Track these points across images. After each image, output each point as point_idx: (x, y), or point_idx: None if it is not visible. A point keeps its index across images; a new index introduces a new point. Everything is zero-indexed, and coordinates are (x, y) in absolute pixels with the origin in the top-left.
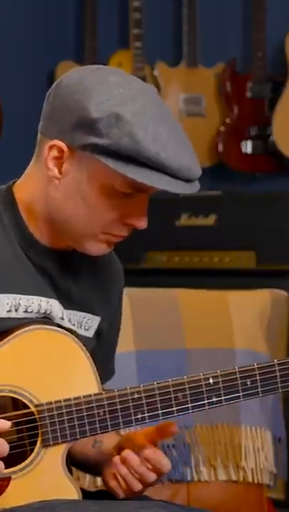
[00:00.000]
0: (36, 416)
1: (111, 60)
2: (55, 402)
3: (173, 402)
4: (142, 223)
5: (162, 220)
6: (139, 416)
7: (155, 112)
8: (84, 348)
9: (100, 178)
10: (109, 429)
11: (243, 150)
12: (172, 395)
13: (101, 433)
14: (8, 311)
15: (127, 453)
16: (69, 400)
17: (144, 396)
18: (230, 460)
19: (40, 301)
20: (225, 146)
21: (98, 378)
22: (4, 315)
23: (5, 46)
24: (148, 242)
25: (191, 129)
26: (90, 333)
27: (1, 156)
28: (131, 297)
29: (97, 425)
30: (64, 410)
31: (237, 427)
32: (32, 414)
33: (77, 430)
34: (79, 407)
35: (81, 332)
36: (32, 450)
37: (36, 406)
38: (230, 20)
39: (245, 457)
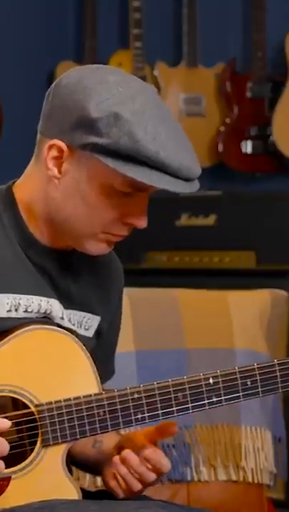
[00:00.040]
0: (36, 416)
1: (111, 60)
2: (55, 402)
3: (173, 402)
4: (142, 222)
5: (162, 220)
6: (139, 416)
7: (155, 112)
8: (84, 348)
9: (100, 177)
10: (109, 429)
11: (243, 150)
12: (172, 395)
13: (101, 433)
14: (8, 311)
15: (127, 453)
16: (69, 399)
17: (144, 396)
18: (230, 460)
19: (40, 300)
20: (225, 146)
21: (98, 378)
22: (4, 315)
23: (5, 46)
24: (148, 242)
25: (191, 129)
26: (90, 333)
27: (1, 156)
28: (131, 297)
29: (97, 425)
30: (64, 410)
31: (237, 427)
32: (32, 414)
33: (77, 430)
34: (79, 407)
35: (81, 332)
36: (32, 450)
37: (36, 406)
38: (230, 20)
39: (245, 457)
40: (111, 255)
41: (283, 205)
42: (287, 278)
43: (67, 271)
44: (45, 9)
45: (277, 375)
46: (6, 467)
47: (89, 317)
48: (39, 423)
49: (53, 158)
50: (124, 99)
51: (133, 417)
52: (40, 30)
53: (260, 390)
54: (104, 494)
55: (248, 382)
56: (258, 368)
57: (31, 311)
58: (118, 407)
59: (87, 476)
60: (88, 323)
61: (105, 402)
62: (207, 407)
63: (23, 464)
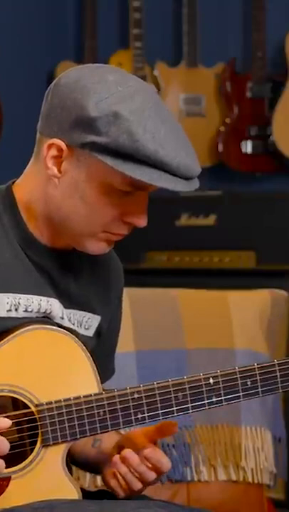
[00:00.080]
0: (36, 416)
1: (111, 60)
2: (55, 401)
3: (173, 402)
4: (142, 221)
5: (162, 220)
6: (139, 416)
7: (154, 110)
8: (84, 347)
9: (99, 176)
10: (110, 429)
11: (243, 150)
12: (172, 395)
13: (101, 433)
14: (8, 311)
15: (127, 452)
16: (69, 399)
17: (144, 396)
18: (230, 460)
19: (40, 300)
20: (225, 146)
21: (98, 378)
22: (4, 314)
23: (5, 46)
24: (148, 242)
25: (191, 129)
26: (90, 333)
27: (1, 156)
28: (131, 297)
29: (97, 425)
30: (64, 410)
31: (237, 427)
32: (32, 414)
33: (77, 430)
34: (79, 407)
35: (81, 331)
36: (32, 450)
37: (36, 406)
38: (230, 20)
39: (245, 457)
40: (111, 254)
41: (283, 205)
42: (287, 278)
43: (67, 270)
44: (45, 9)
45: (277, 375)
46: (6, 467)
47: (89, 316)
48: (39, 423)
49: (52, 157)
50: (124, 98)
51: (133, 417)
52: (40, 30)
53: (260, 390)
54: (105, 494)
55: (248, 382)
56: (258, 367)
57: (31, 311)
58: (118, 406)
59: (87, 476)
60: (88, 322)
61: (105, 402)
62: (207, 407)
63: (23, 464)
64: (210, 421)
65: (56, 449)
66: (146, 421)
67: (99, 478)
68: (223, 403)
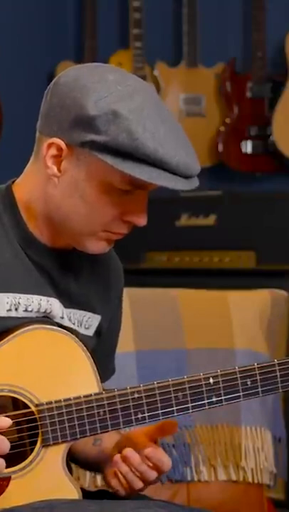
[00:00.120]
0: (36, 416)
1: (111, 60)
2: (55, 401)
3: (173, 401)
4: (142, 220)
5: (162, 220)
6: (140, 416)
7: (153, 109)
8: (84, 347)
9: (99, 175)
10: (110, 429)
11: (243, 150)
12: (172, 395)
13: (101, 433)
14: (8, 310)
15: (128, 451)
16: (69, 399)
17: (144, 396)
18: (230, 460)
19: (40, 300)
20: (225, 146)
21: (98, 378)
22: (4, 314)
23: (5, 46)
24: (148, 242)
25: (191, 129)
26: (91, 332)
27: (1, 156)
28: (131, 297)
29: (98, 425)
30: (64, 410)
31: (237, 427)
32: (32, 413)
33: (77, 430)
34: (79, 407)
35: (81, 331)
36: (32, 450)
37: (36, 406)
38: (230, 20)
39: (245, 457)
40: (111, 254)
41: (283, 205)
42: (287, 278)
43: (67, 270)
44: (45, 9)
45: (277, 375)
46: (6, 467)
47: (89, 316)
48: (39, 423)
49: (52, 156)
50: (123, 97)
51: (133, 417)
52: (40, 30)
53: (260, 389)
54: (105, 494)
55: (248, 382)
56: (258, 367)
57: (31, 311)
58: (118, 406)
59: (87, 476)
60: (88, 322)
61: (105, 402)
62: (207, 407)
63: (23, 464)
64: (210, 421)
65: (56, 448)
66: (147, 421)
67: (99, 478)
68: (223, 403)
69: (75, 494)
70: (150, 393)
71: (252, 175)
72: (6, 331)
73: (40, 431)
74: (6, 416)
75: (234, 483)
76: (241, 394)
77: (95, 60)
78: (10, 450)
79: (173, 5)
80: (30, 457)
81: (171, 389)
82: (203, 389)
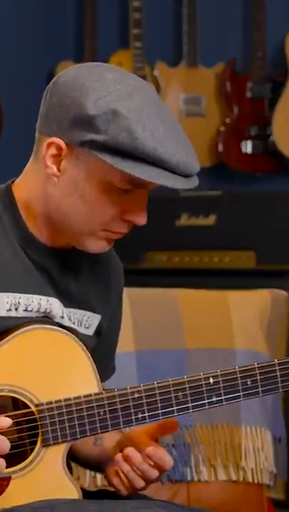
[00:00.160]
0: (36, 415)
1: (111, 60)
2: (56, 401)
3: (173, 401)
4: (142, 219)
5: (162, 220)
6: (140, 415)
7: (153, 108)
8: (84, 347)
9: (99, 174)
10: (110, 429)
11: (243, 150)
12: (172, 395)
13: (101, 432)
14: (8, 310)
15: (130, 450)
16: (69, 399)
17: (145, 395)
18: (230, 460)
19: (40, 299)
20: (225, 146)
21: (98, 378)
22: (4, 314)
23: (5, 46)
24: (148, 242)
25: (191, 129)
26: (91, 331)
27: (1, 156)
28: (131, 297)
29: (98, 425)
30: (64, 410)
31: (237, 427)
32: (32, 413)
33: (77, 430)
34: (79, 407)
35: (81, 330)
36: (32, 450)
37: (36, 406)
38: (230, 20)
39: (245, 457)
40: (111, 254)
41: (283, 205)
42: (287, 278)
43: (67, 269)
44: (45, 9)
45: (277, 375)
46: (7, 467)
47: (89, 315)
48: (39, 423)
49: (51, 156)
50: (122, 96)
51: (133, 417)
52: (40, 30)
53: (260, 389)
54: (105, 494)
55: (248, 382)
56: (258, 367)
57: (31, 310)
58: (118, 406)
59: (87, 475)
60: (88, 321)
61: (105, 402)
62: (207, 407)
63: (23, 464)
64: (210, 421)
65: (56, 448)
66: (147, 420)
67: (99, 478)
68: (224, 403)
69: (75, 494)
70: (150, 393)
71: (252, 175)
72: (6, 331)
73: (40, 431)
74: (6, 416)
75: (234, 483)
76: (241, 394)
77: (95, 60)
78: (10, 450)
79: (173, 5)
80: (31, 457)
81: (171, 389)
82: (204, 389)
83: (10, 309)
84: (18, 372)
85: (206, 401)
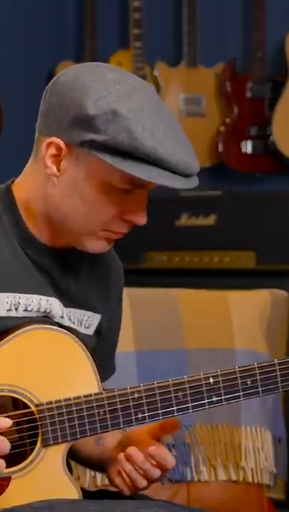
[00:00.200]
0: (36, 415)
1: (111, 60)
2: (56, 401)
3: (173, 401)
4: (141, 219)
5: (162, 220)
6: (140, 415)
7: (152, 108)
8: (84, 347)
9: (98, 174)
10: (110, 429)
11: (243, 150)
12: (172, 395)
13: (101, 432)
14: (8, 310)
15: (132, 450)
16: (69, 399)
17: (145, 395)
18: (230, 460)
19: (40, 299)
20: (225, 146)
21: (98, 378)
22: (4, 314)
23: (5, 46)
24: (148, 242)
25: (191, 129)
26: (91, 331)
27: (1, 156)
28: (131, 297)
29: (98, 425)
30: (64, 410)
31: (237, 427)
32: (32, 413)
33: (77, 430)
34: (79, 407)
35: (81, 330)
36: (32, 450)
37: (36, 406)
38: (230, 20)
39: (245, 457)
40: (111, 254)
41: (283, 205)
42: (287, 278)
43: (67, 269)
44: (45, 9)
45: (277, 375)
46: (7, 467)
47: (89, 315)
48: (39, 423)
49: (51, 156)
50: (122, 96)
51: (133, 417)
52: (40, 30)
53: (260, 389)
54: (105, 494)
55: (248, 382)
56: (258, 367)
57: (31, 310)
58: (118, 406)
59: (87, 475)
60: (88, 321)
61: (105, 402)
62: (207, 407)
63: (23, 464)
64: (210, 421)
65: (56, 448)
66: (147, 420)
67: (99, 477)
68: (224, 403)
69: (75, 494)
70: (150, 393)
71: (252, 175)
72: (6, 331)
73: (40, 431)
74: (6, 416)
75: (234, 483)
76: (241, 394)
77: (95, 60)
78: (10, 450)
79: (173, 5)
80: (31, 457)
81: (171, 389)
82: (204, 389)
83: (10, 309)
84: (18, 372)
85: (206, 401)
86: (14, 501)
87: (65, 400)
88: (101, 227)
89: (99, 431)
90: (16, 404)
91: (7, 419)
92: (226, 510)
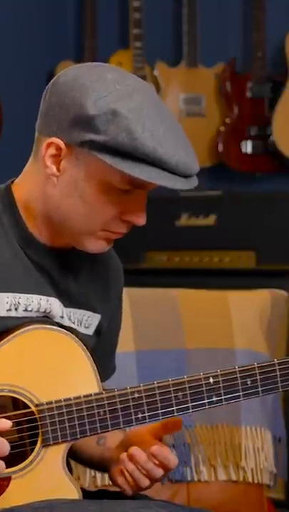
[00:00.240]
0: (36, 416)
1: (111, 60)
2: (56, 401)
3: (173, 401)
4: (141, 220)
5: (162, 220)
6: (140, 415)
7: (152, 108)
8: (84, 347)
9: (98, 175)
10: (110, 429)
11: (243, 150)
12: (172, 395)
13: (101, 432)
14: (8, 310)
15: (134, 449)
16: (69, 399)
17: (145, 395)
18: (230, 460)
19: (40, 299)
20: (225, 146)
21: (98, 378)
22: (4, 314)
23: (5, 46)
24: (148, 242)
25: (191, 129)
26: (90, 331)
27: (1, 156)
28: (131, 297)
29: (98, 425)
30: (64, 410)
31: (237, 427)
32: (32, 413)
33: (77, 430)
34: (79, 407)
35: (81, 330)
36: (32, 450)
37: (36, 406)
38: (230, 20)
39: (245, 457)
40: (110, 254)
41: (283, 205)
42: (287, 278)
43: (67, 269)
44: (45, 9)
45: (277, 375)
46: (6, 467)
47: (89, 315)
48: (39, 423)
49: (51, 156)
50: (122, 97)
51: (133, 417)
52: (40, 30)
53: (260, 389)
54: (105, 494)
55: (248, 382)
56: (258, 367)
57: (31, 310)
58: (118, 406)
59: (87, 475)
60: (88, 321)
61: (105, 402)
62: (207, 407)
63: (23, 464)
64: (210, 421)
65: (56, 448)
66: (147, 420)
67: (99, 477)
68: (223, 402)
69: (75, 494)
70: (150, 393)
71: (252, 175)
72: (6, 331)
73: (40, 431)
74: (6, 416)
75: (234, 483)
76: (241, 394)
77: (95, 60)
78: (10, 450)
79: (173, 5)
80: (31, 457)
81: (171, 389)
82: (203, 389)
83: (10, 309)
84: (18, 372)
85: (206, 401)
86: (14, 501)
87: (65, 400)
88: (100, 227)
89: (99, 431)
90: (16, 404)
91: (6, 420)
92: (226, 510)
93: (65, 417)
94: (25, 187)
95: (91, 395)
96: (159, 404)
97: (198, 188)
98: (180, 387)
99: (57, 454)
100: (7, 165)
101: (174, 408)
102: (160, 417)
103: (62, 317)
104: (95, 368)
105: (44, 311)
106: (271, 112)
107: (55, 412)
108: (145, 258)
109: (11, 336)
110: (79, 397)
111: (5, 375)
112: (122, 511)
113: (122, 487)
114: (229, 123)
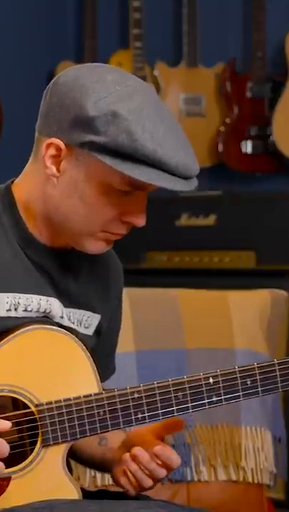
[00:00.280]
0: (36, 416)
1: (111, 60)
2: (55, 401)
3: (173, 401)
4: (141, 221)
5: (162, 220)
6: (140, 416)
7: (152, 110)
8: (84, 347)
9: (98, 176)
10: (110, 429)
11: (243, 150)
12: (172, 395)
13: (101, 433)
14: (7, 310)
15: (137, 450)
16: (69, 399)
17: (144, 396)
18: (230, 460)
19: (40, 299)
20: (225, 146)
21: (98, 378)
22: (4, 314)
23: (5, 46)
24: (148, 242)
25: (191, 129)
26: (90, 331)
27: (1, 156)
28: (131, 297)
29: (98, 425)
30: (64, 410)
31: (237, 427)
32: (32, 414)
33: (77, 430)
34: (79, 407)
35: (81, 330)
36: (32, 450)
37: (36, 406)
38: (230, 20)
39: (245, 457)
40: (110, 254)
41: (283, 205)
42: (287, 278)
43: (67, 269)
44: (45, 9)
45: (277, 375)
46: (6, 467)
47: (89, 315)
48: (39, 423)
49: (51, 156)
50: (122, 98)
51: (133, 417)
52: (40, 30)
53: (260, 389)
54: (105, 494)
55: (248, 382)
56: (257, 367)
57: (31, 310)
58: (118, 406)
59: (87, 475)
60: (88, 321)
61: (105, 402)
62: (207, 407)
63: (23, 464)
64: (210, 421)
65: (56, 449)
66: (147, 421)
67: (99, 478)
68: (223, 403)
69: (75, 494)
70: (150, 393)
71: (252, 175)
72: (6, 331)
73: (40, 431)
74: (6, 416)
75: (234, 483)
76: (241, 394)
77: (95, 60)
78: (10, 450)
79: (173, 5)
80: (31, 457)
81: (171, 389)
82: (203, 389)
83: (10, 309)
84: (18, 373)
85: (205, 401)
86: (14, 501)
87: (64, 400)
88: (100, 228)
89: (99, 431)
90: (16, 404)
91: (6, 421)
92: (226, 510)
93: (65, 417)
94: (25, 187)
95: (91, 395)
96: (159, 405)
97: (198, 188)
98: (180, 387)
99: (57, 454)
100: (7, 165)
101: (174, 408)
102: (160, 417)
103: (62, 317)
104: (95, 368)
105: (44, 312)
106: (271, 112)
107: (55, 412)
108: (145, 258)
109: (11, 336)
110: (79, 398)
111: (5, 375)
112: (123, 511)
113: (125, 487)
114: (229, 123)
